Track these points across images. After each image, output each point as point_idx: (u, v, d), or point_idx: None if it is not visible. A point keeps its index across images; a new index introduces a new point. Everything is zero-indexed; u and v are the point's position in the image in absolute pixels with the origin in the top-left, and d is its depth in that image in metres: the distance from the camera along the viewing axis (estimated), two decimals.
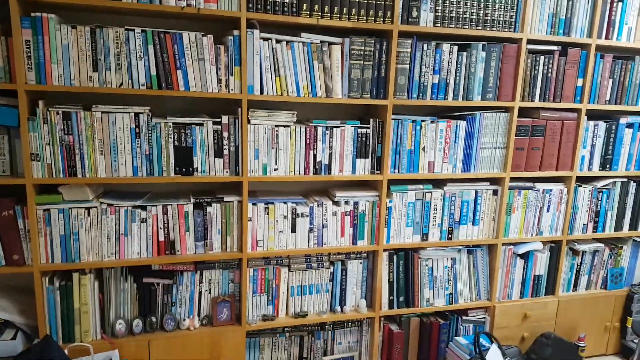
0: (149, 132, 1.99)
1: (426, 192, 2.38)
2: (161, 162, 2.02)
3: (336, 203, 2.29)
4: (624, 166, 2.65)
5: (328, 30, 2.18)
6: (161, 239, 2.08)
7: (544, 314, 2.65)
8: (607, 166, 2.62)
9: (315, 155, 2.20)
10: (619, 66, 2.51)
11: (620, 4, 2.43)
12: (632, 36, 2.49)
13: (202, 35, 1.97)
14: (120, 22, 2.10)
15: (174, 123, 2.01)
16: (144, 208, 2.05)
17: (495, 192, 2.50)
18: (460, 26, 2.24)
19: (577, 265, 2.72)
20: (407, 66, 2.22)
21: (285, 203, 2.21)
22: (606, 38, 2.46)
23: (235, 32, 2.00)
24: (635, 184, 2.70)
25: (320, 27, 2.13)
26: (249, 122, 2.09)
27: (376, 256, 2.37)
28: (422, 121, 2.31)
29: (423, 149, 2.33)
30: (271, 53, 2.05)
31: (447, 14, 2.22)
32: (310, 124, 2.17)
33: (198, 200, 2.13)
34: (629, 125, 2.61)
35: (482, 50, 2.31)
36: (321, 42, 2.10)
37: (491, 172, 2.45)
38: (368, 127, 2.25)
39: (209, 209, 2.12)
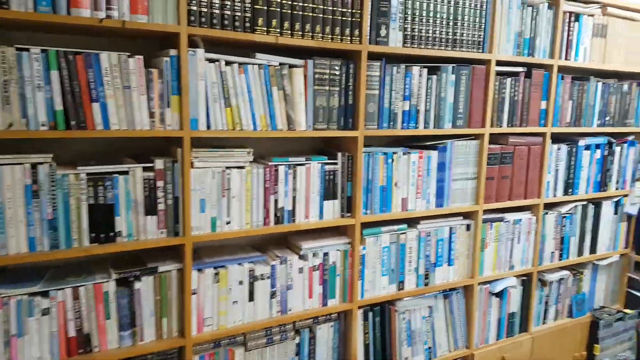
0: (52, 188, 1.46)
1: (401, 234, 2.07)
2: (69, 228, 1.49)
3: (302, 257, 1.89)
4: (583, 189, 2.56)
5: (288, 51, 1.81)
6: (71, 334, 1.54)
7: (520, 353, 2.45)
8: (570, 190, 2.51)
9: (276, 201, 1.79)
10: (577, 87, 2.42)
11: (576, 23, 2.34)
12: (587, 56, 2.40)
13: (128, 57, 1.50)
14: (9, 39, 1.55)
15: (88, 174, 1.50)
16: (45, 294, 1.50)
17: (468, 227, 2.26)
18: (429, 46, 1.98)
19: (546, 296, 2.56)
20: (377, 92, 1.91)
21: (240, 264, 1.77)
22: (565, 59, 2.35)
23: (173, 52, 1.55)
24: (593, 206, 2.63)
25: (279, 47, 1.75)
26: (192, 165, 1.64)
27: (350, 317, 2.00)
28: (394, 153, 2.00)
29: (396, 184, 2.02)
30: (219, 78, 1.63)
31: (416, 33, 1.94)
32: (270, 163, 1.76)
33: (122, 275, 1.61)
34: (587, 147, 2.52)
35: (452, 73, 2.07)
36: (281, 64, 1.72)
37: (464, 206, 2.21)
38: (336, 163, 1.89)
39: (137, 284, 1.61)
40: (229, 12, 1.60)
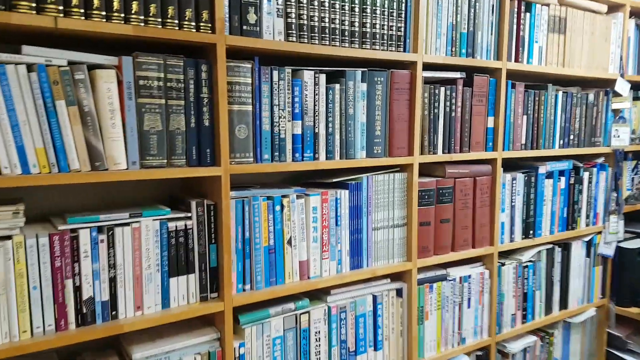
0: None
1: (301, 314, 1.41)
2: None
3: None
4: (547, 229, 1.99)
5: (90, 44, 1.15)
6: None
7: None
8: (530, 232, 1.93)
9: (78, 289, 1.10)
10: (532, 98, 1.87)
11: (527, 14, 1.80)
12: (543, 58, 1.87)
13: None
14: None
15: None
16: None
17: (399, 293, 1.63)
18: (327, 42, 1.37)
19: None
20: (249, 107, 1.27)
21: None
22: (516, 60, 1.80)
23: None
24: (560, 249, 2.06)
25: (67, 35, 1.09)
26: None
27: None
28: (284, 197, 1.36)
29: (289, 242, 1.38)
30: None
31: (305, 22, 1.33)
32: (63, 227, 1.08)
33: None
34: (549, 175, 1.97)
35: (363, 80, 1.47)
36: (71, 63, 1.06)
37: (391, 264, 1.59)
38: (188, 218, 1.23)
39: None
40: None
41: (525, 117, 1.87)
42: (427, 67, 1.61)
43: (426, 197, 1.63)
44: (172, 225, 1.21)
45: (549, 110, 1.93)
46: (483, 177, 1.77)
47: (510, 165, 1.99)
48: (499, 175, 1.79)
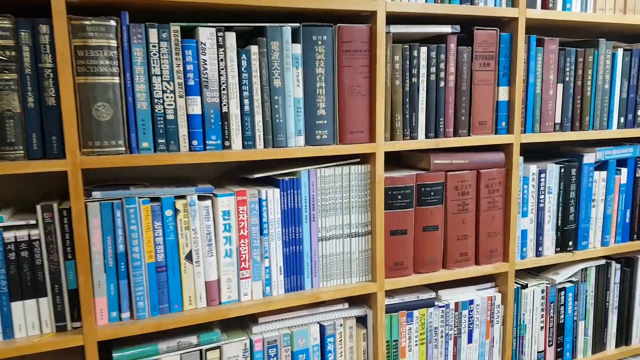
0: None
1: (209, 349, 1.09)
2: None
3: None
4: (597, 239, 1.46)
5: None
6: None
7: None
8: (570, 243, 1.42)
9: None
10: (571, 58, 1.34)
11: None
12: (589, 1, 1.33)
13: None
14: None
15: None
16: None
17: (362, 321, 1.25)
18: None
19: None
20: (114, 79, 0.95)
21: None
22: (544, 6, 1.29)
23: None
24: (619, 265, 1.52)
25: None
26: None
27: None
28: (178, 198, 1.03)
29: (189, 257, 1.05)
30: None
31: None
32: None
33: None
34: (601, 166, 1.43)
35: (295, 40, 1.08)
36: None
37: (348, 285, 1.20)
38: (32, 227, 0.96)
39: None
40: None
41: (561, 85, 1.34)
42: (398, 19, 1.18)
43: (399, 197, 1.21)
44: (9, 235, 0.94)
45: (602, 75, 1.38)
46: (492, 170, 1.30)
47: (538, 152, 1.48)
48: (515, 166, 1.31)
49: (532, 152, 1.51)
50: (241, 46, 1.05)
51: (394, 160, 1.38)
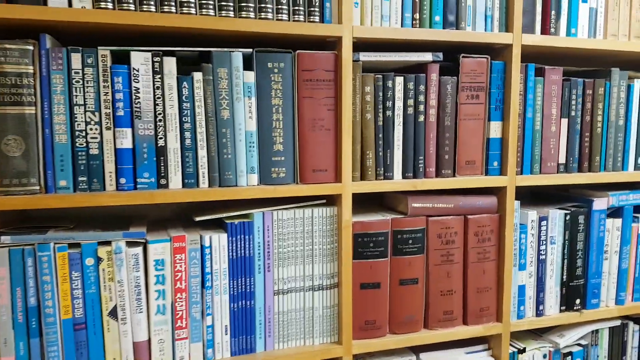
0: None
1: None
2: None
3: None
4: (611, 296, 1.26)
5: None
6: None
7: None
8: (577, 301, 1.23)
9: None
10: (578, 91, 1.17)
11: None
12: (600, 26, 1.16)
13: None
14: None
15: None
16: None
17: None
18: (174, 9, 0.88)
19: None
20: (30, 110, 0.84)
21: None
22: (544, 31, 1.12)
23: None
24: (637, 327, 1.31)
25: None
26: None
27: None
28: (102, 244, 0.89)
29: (113, 313, 0.91)
30: None
31: None
32: None
33: None
34: (614, 213, 1.24)
35: (248, 67, 0.95)
36: None
37: (309, 347, 1.04)
38: None
39: None
40: None
41: (566, 121, 1.17)
42: (372, 45, 1.03)
43: (371, 244, 1.05)
44: None
45: (615, 109, 1.20)
46: (482, 216, 1.13)
47: (542, 195, 1.30)
48: (510, 212, 1.13)
49: (535, 196, 1.33)
50: (186, 73, 0.92)
51: (376, 201, 1.22)
